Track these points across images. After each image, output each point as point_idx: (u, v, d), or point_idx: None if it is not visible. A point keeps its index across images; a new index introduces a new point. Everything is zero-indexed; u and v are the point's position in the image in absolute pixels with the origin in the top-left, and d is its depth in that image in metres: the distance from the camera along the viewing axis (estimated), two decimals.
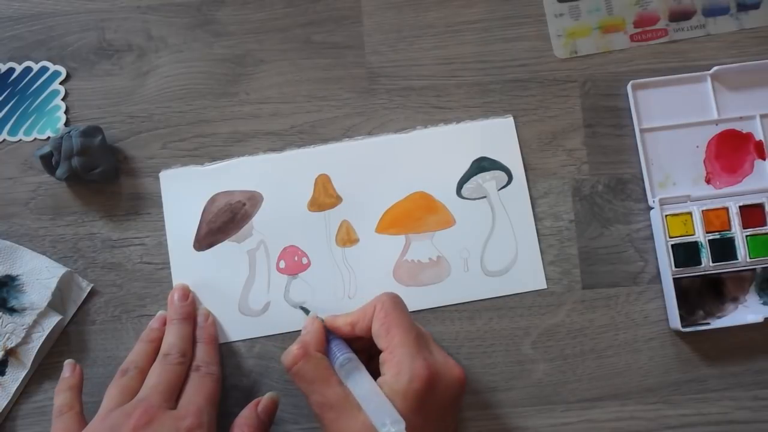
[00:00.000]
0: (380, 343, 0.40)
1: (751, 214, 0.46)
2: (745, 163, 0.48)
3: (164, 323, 0.46)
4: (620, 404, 0.46)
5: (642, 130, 0.48)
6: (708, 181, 0.48)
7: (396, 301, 0.41)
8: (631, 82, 0.48)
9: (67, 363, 0.45)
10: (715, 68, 0.48)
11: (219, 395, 0.44)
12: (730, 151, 0.48)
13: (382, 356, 0.40)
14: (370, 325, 0.41)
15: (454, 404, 0.41)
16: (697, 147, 0.48)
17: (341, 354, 0.41)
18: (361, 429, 0.38)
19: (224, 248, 0.48)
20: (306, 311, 0.46)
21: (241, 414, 0.43)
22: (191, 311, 0.46)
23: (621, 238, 0.48)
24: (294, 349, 0.40)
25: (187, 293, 0.47)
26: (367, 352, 0.43)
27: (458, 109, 0.49)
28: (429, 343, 0.41)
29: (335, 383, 0.39)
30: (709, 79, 0.48)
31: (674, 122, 0.48)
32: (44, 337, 0.46)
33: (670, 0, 0.50)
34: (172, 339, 0.44)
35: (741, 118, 0.48)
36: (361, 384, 0.39)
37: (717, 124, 0.48)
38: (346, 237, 0.48)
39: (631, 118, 0.48)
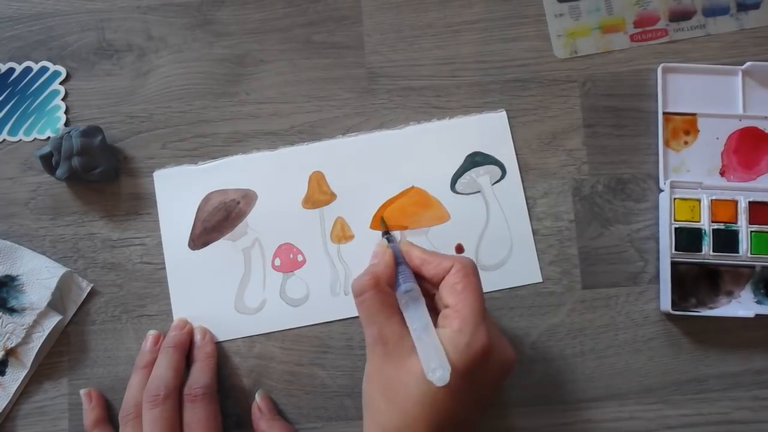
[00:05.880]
0: (449, 298, 0.39)
1: (759, 210, 0.46)
2: (761, 161, 0.48)
3: (156, 343, 0.46)
4: (620, 404, 0.46)
5: (665, 114, 0.48)
6: (722, 174, 0.48)
7: (475, 268, 0.41)
8: (662, 64, 0.48)
9: (83, 393, 0.46)
10: (749, 64, 0.48)
11: (219, 410, 0.44)
12: (750, 148, 0.48)
13: (446, 311, 0.39)
14: (439, 274, 0.40)
15: (498, 383, 0.41)
16: (717, 139, 0.48)
17: (405, 282, 0.40)
18: (402, 373, 0.38)
19: (219, 247, 0.48)
20: (384, 226, 0.46)
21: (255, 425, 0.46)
22: (184, 340, 0.46)
23: (621, 238, 0.48)
24: (366, 279, 0.40)
25: (184, 324, 0.47)
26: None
27: (458, 109, 0.49)
28: (491, 321, 0.41)
29: (396, 321, 0.39)
30: (740, 74, 0.48)
31: (698, 110, 0.48)
32: (44, 337, 0.46)
33: (670, 0, 0.50)
34: (158, 371, 0.44)
35: (766, 118, 0.48)
36: (419, 318, 0.39)
37: (740, 120, 0.48)
38: (341, 234, 0.48)
39: (656, 100, 0.48)
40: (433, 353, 0.37)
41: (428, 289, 0.41)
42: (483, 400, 0.40)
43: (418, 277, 0.41)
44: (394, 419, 0.37)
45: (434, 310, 0.40)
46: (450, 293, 0.39)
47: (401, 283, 0.40)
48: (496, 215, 0.48)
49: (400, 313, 0.40)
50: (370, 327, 0.39)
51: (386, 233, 0.46)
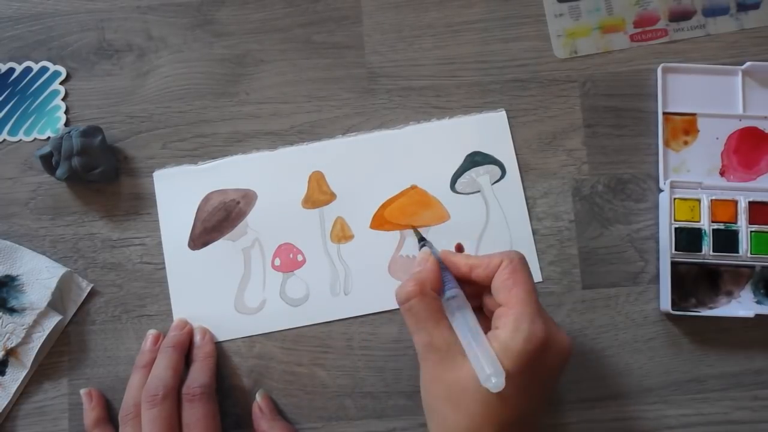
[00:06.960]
0: (500, 296, 0.39)
1: (759, 210, 0.46)
2: (761, 161, 0.48)
3: (156, 342, 0.46)
4: (620, 404, 0.46)
5: (665, 113, 0.48)
6: (722, 174, 0.48)
7: (524, 261, 0.40)
8: (662, 64, 0.48)
9: (84, 393, 0.46)
10: (749, 64, 0.48)
11: (217, 409, 0.44)
12: (750, 148, 0.48)
13: (499, 311, 0.39)
14: (491, 274, 0.40)
15: (558, 372, 0.40)
16: (717, 139, 0.48)
17: (450, 288, 0.40)
18: (460, 377, 0.37)
19: (219, 247, 0.48)
20: (419, 236, 0.46)
21: (256, 425, 0.46)
22: (184, 340, 0.46)
23: (621, 238, 0.48)
24: (410, 285, 0.39)
25: (183, 324, 0.47)
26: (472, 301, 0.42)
27: (458, 109, 0.49)
28: (543, 311, 0.40)
29: (445, 326, 0.39)
30: (740, 74, 0.48)
31: (698, 110, 0.48)
32: (44, 337, 0.46)
33: (670, 0, 0.50)
34: (156, 371, 0.44)
35: (766, 118, 0.48)
36: (466, 324, 0.38)
37: (740, 120, 0.48)
38: (341, 233, 0.48)
39: (656, 100, 0.48)
40: (485, 361, 0.36)
41: (480, 292, 0.41)
42: (545, 391, 0.40)
43: (469, 283, 0.41)
44: (462, 424, 0.37)
45: (486, 313, 0.40)
46: (500, 291, 0.39)
47: (446, 290, 0.40)
48: (496, 215, 0.48)
49: (447, 318, 0.39)
50: (419, 334, 0.39)
51: (422, 240, 0.45)
